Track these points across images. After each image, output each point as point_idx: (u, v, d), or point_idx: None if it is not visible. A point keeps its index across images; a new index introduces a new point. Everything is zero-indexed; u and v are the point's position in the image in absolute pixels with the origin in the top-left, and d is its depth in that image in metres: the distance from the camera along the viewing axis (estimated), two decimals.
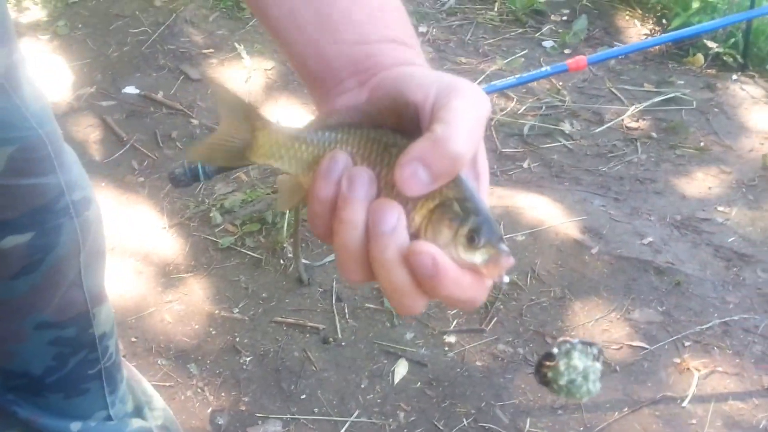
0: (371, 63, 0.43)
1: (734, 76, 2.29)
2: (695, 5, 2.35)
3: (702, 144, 2.02)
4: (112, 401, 0.97)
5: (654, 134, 2.07)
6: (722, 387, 1.42)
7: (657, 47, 2.45)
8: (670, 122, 2.10)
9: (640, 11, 2.60)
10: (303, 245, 1.60)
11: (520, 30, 2.50)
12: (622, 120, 2.10)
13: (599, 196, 1.82)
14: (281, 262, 1.63)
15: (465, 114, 0.38)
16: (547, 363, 0.90)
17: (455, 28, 2.51)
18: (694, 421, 1.37)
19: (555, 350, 0.91)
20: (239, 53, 2.25)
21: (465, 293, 0.38)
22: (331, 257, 1.64)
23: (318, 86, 0.45)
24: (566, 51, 2.41)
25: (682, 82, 2.26)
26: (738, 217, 1.79)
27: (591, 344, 0.94)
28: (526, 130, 2.07)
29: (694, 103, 2.17)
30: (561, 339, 1.01)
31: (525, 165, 1.96)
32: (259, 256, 1.64)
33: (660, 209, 1.80)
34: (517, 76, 1.51)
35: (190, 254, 1.66)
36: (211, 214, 1.72)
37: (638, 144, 2.03)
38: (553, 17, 2.57)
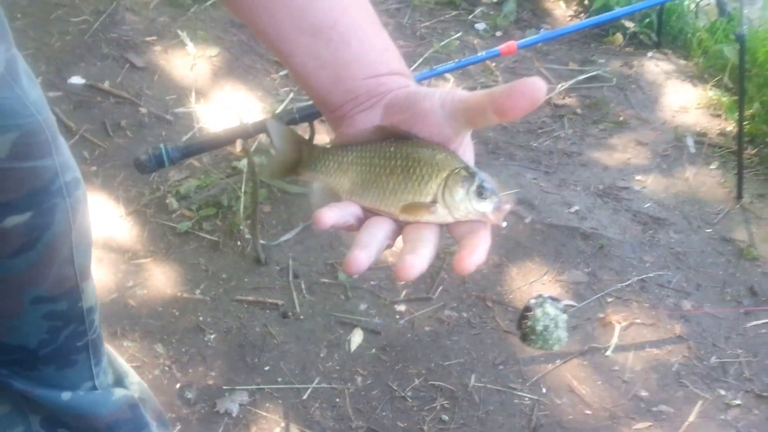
0: (383, 89, 0.54)
1: (650, 54, 2.48)
2: None
3: (621, 118, 2.20)
4: (96, 372, 1.05)
5: (579, 110, 2.23)
6: (640, 337, 1.60)
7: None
8: (593, 99, 2.27)
9: None
10: (259, 226, 1.69)
11: (455, 13, 2.62)
12: (550, 98, 2.25)
13: (531, 170, 1.98)
14: (238, 243, 1.71)
15: None
16: (527, 314, 1.15)
17: (393, 11, 2.60)
18: (617, 368, 1.55)
19: (532, 302, 1.19)
20: (182, 40, 2.28)
21: (479, 255, 0.49)
22: (287, 236, 1.74)
23: (337, 109, 0.55)
24: (497, 33, 2.54)
25: (603, 60, 2.43)
26: (653, 184, 1.97)
27: (558, 300, 1.18)
28: None
29: (614, 80, 2.34)
30: (536, 294, 1.21)
31: None
32: (216, 238, 1.72)
33: (585, 180, 1.96)
34: (455, 60, 1.62)
35: (149, 240, 1.72)
36: (167, 201, 1.78)
37: (565, 120, 2.19)
38: (484, 0, 2.70)
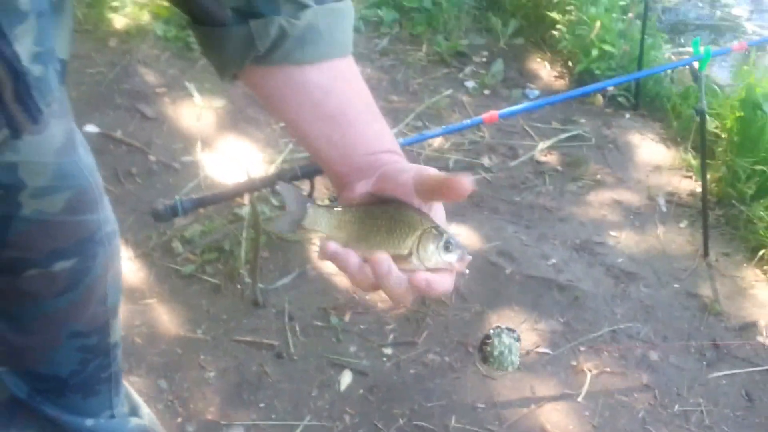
0: (378, 164, 0.68)
1: (627, 115, 2.66)
2: (595, 53, 2.70)
3: (598, 176, 2.35)
4: (116, 402, 1.18)
5: (559, 167, 2.39)
6: (610, 384, 1.73)
7: (561, 84, 2.80)
8: (573, 157, 2.43)
9: (550, 54, 2.95)
10: (258, 270, 1.82)
11: (446, 71, 2.79)
12: (533, 155, 2.41)
13: (513, 224, 2.12)
14: (238, 286, 1.84)
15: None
16: (486, 341, 1.46)
17: (387, 68, 2.78)
18: (587, 413, 1.67)
19: (491, 331, 1.54)
20: (190, 92, 2.44)
21: (444, 287, 0.62)
22: (284, 281, 1.87)
23: (342, 177, 0.69)
24: (486, 92, 2.71)
25: (584, 120, 2.60)
26: (626, 240, 2.12)
27: (513, 330, 1.50)
28: (450, 164, 2.35)
29: (593, 139, 2.51)
30: (494, 326, 1.55)
31: None
32: (218, 282, 1.84)
33: (562, 234, 2.11)
34: (442, 127, 1.78)
35: (155, 282, 1.84)
36: (173, 245, 1.91)
37: (546, 176, 2.34)
38: (474, 58, 2.88)
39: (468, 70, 2.80)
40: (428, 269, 0.61)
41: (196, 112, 2.37)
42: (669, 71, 2.71)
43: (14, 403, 1.11)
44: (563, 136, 2.50)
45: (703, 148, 1.96)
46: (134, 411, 1.24)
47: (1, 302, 0.97)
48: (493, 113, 1.62)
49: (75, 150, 0.91)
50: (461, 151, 2.40)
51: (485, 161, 2.37)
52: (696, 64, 1.82)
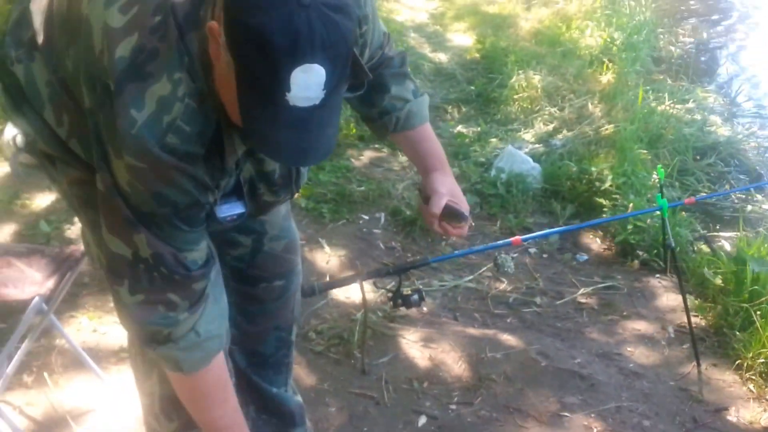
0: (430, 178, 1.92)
1: (657, 275, 3.90)
2: (630, 227, 4.03)
3: (625, 313, 3.57)
4: (289, 382, 2.47)
5: (595, 307, 3.62)
6: None
7: (609, 254, 4.11)
8: (608, 300, 3.67)
9: (600, 232, 4.30)
10: (365, 351, 3.11)
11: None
12: (575, 297, 3.67)
13: (551, 336, 3.34)
14: (352, 361, 3.12)
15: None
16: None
17: (469, 236, 4.19)
18: None
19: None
20: (322, 245, 3.92)
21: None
22: (383, 359, 3.14)
23: (423, 175, 1.92)
24: (544, 255, 4.06)
25: (620, 276, 3.87)
26: (638, 353, 3.28)
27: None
28: (510, 300, 3.65)
29: (625, 289, 3.75)
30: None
31: (508, 321, 3.50)
32: (338, 357, 3.14)
33: (589, 346, 3.30)
34: (478, 246, 3.13)
35: (298, 356, 3.16)
36: (309, 334, 3.25)
37: (584, 312, 3.58)
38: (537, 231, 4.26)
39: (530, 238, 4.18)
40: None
41: (325, 257, 3.83)
42: (691, 244, 3.98)
43: (237, 370, 2.42)
44: (601, 285, 3.77)
45: (679, 275, 3.19)
46: (295, 392, 2.54)
47: (243, 302, 2.31)
48: (518, 237, 2.96)
49: (290, 217, 2.32)
50: (519, 292, 3.70)
51: (537, 299, 3.65)
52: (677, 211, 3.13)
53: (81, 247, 2.58)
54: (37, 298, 2.17)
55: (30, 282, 2.22)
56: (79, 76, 1.40)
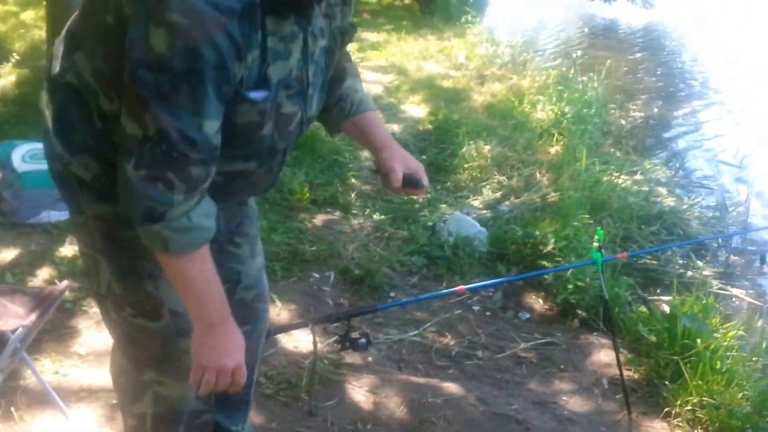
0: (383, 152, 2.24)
1: (595, 333, 4.33)
2: (570, 287, 4.48)
3: (562, 366, 3.97)
4: (246, 420, 2.80)
5: (534, 360, 4.02)
6: None
7: (551, 313, 4.54)
8: (547, 355, 4.07)
9: (543, 293, 4.74)
10: (313, 394, 3.44)
11: (459, 299, 4.58)
12: (516, 351, 4.07)
13: (490, 385, 3.72)
14: (299, 403, 3.45)
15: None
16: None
17: (415, 295, 4.59)
18: None
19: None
20: (275, 302, 4.28)
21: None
22: (329, 402, 3.47)
23: (375, 153, 2.23)
24: (487, 313, 4.47)
25: (560, 334, 4.29)
26: (573, 402, 3.67)
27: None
28: (453, 353, 4.03)
29: (564, 345, 4.17)
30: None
31: (450, 372, 3.88)
32: (287, 400, 3.46)
33: (525, 395, 3.68)
34: (421, 296, 3.53)
35: None
36: (259, 379, 3.57)
37: (523, 366, 3.97)
38: (483, 292, 4.68)
39: (476, 298, 4.60)
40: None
41: (276, 311, 4.18)
42: (628, 303, 4.44)
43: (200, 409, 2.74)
44: (541, 341, 4.18)
45: (612, 326, 3.62)
46: (250, 431, 2.87)
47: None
48: (462, 287, 3.37)
49: (263, 270, 2.69)
50: (462, 346, 4.09)
51: (479, 353, 4.04)
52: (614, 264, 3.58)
53: (60, 286, 2.94)
54: (20, 330, 2.50)
55: (13, 315, 2.56)
56: None
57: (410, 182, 2.18)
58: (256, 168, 2.01)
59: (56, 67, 1.93)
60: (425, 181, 2.20)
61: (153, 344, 2.11)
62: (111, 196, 1.84)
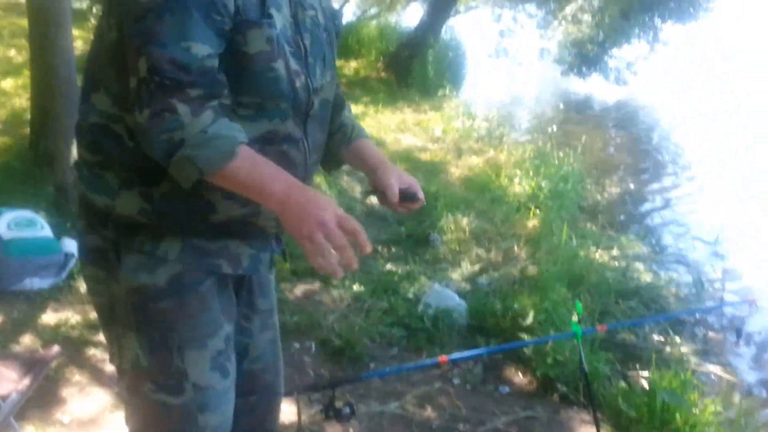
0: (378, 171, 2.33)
1: (575, 407, 4.42)
2: (549, 360, 4.59)
3: None
4: None
5: None
6: None
7: (531, 387, 4.63)
8: (527, 429, 4.15)
9: (522, 366, 4.84)
10: None
11: (439, 371, 4.67)
12: (497, 425, 4.15)
13: None
14: None
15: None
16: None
17: (395, 366, 4.66)
18: None
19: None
20: None
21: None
22: None
23: (370, 173, 2.32)
24: (467, 386, 4.55)
25: (540, 408, 4.38)
26: None
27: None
28: (433, 426, 4.10)
29: (545, 419, 4.25)
30: None
31: None
32: None
33: None
34: (404, 365, 3.61)
35: None
36: None
37: None
38: (462, 366, 4.77)
39: (456, 371, 4.69)
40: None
41: None
42: (609, 375, 4.56)
43: None
44: (522, 415, 4.26)
45: (592, 401, 3.72)
46: None
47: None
48: (444, 357, 3.47)
49: (277, 342, 2.75)
50: (443, 419, 4.16)
51: (460, 426, 4.12)
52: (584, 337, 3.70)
53: (51, 351, 3.00)
54: (14, 395, 2.56)
55: (6, 380, 2.62)
56: None
57: (407, 196, 2.27)
58: (283, 129, 2.00)
59: (78, 116, 2.04)
60: (421, 194, 2.30)
61: (170, 421, 2.09)
62: (161, 229, 1.94)
